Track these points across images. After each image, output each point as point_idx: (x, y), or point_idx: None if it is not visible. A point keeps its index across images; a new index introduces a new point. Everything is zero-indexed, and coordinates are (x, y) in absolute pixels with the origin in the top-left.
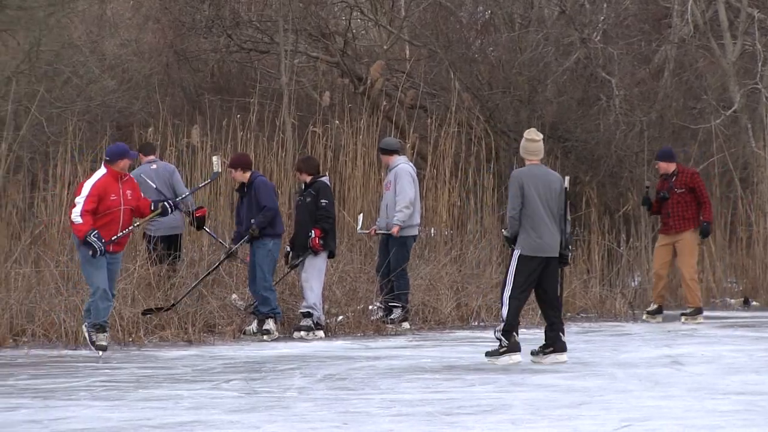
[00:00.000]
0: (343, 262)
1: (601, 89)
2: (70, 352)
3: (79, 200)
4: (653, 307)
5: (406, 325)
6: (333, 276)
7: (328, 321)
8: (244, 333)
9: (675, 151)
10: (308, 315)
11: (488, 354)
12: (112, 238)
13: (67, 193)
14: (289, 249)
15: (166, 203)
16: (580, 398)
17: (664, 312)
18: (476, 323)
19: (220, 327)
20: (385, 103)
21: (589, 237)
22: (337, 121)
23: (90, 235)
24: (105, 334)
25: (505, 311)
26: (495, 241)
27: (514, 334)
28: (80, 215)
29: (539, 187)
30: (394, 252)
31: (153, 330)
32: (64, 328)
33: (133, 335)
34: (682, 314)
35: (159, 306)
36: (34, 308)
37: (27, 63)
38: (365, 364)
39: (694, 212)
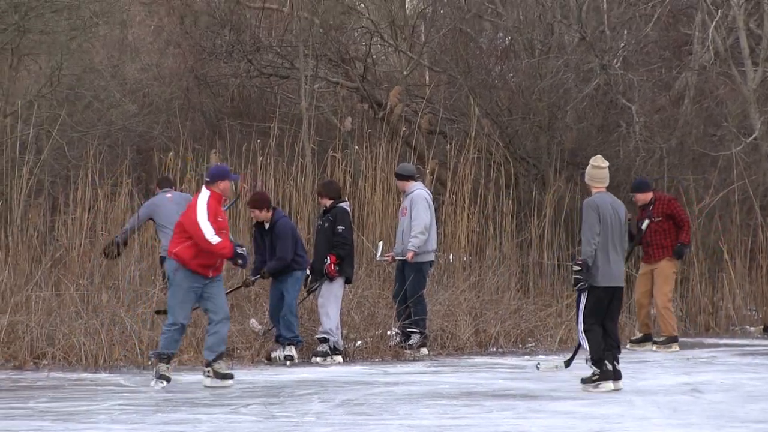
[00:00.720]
0: (362, 287)
1: (621, 116)
2: (90, 375)
3: (203, 221)
4: (638, 335)
5: (424, 350)
6: (351, 301)
7: (346, 346)
8: (270, 359)
9: (649, 180)
10: (325, 340)
11: (583, 381)
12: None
13: (87, 217)
14: (308, 273)
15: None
16: (599, 425)
17: (656, 340)
18: (494, 349)
19: (238, 351)
20: (404, 128)
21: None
22: (357, 147)
23: (238, 248)
24: (168, 366)
25: (585, 344)
26: (513, 267)
27: (606, 362)
28: (215, 234)
29: (608, 215)
30: (411, 278)
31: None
32: (84, 351)
33: (153, 359)
34: (654, 342)
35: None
36: (54, 331)
37: (49, 87)
38: (383, 389)
39: (673, 240)
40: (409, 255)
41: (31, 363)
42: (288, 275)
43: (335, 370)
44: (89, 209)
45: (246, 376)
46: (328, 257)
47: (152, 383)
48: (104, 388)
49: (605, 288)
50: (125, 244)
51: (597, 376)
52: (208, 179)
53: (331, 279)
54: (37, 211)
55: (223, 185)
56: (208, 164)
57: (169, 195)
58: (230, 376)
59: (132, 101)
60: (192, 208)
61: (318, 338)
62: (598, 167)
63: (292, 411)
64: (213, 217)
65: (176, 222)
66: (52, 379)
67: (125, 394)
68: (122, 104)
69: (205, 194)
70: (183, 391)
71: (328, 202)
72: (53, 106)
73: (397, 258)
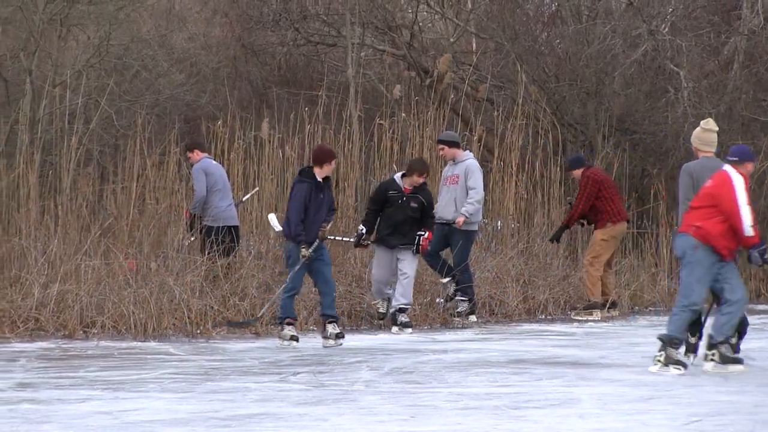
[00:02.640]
0: None
1: (669, 81)
2: (139, 344)
3: (743, 206)
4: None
5: (473, 318)
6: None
7: (395, 312)
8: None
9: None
10: (404, 310)
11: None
12: None
13: (136, 186)
14: (363, 231)
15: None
16: (649, 393)
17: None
18: (543, 317)
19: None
20: (452, 95)
21: (657, 230)
22: (404, 114)
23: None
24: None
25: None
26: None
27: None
28: (751, 226)
29: (704, 182)
30: (459, 246)
31: (221, 322)
32: (133, 320)
33: (201, 327)
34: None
35: (245, 319)
36: (103, 300)
37: (97, 57)
38: (432, 357)
39: (602, 213)
40: (460, 220)
41: (81, 332)
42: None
43: (383, 338)
44: (138, 178)
45: (295, 344)
46: (427, 232)
47: (709, 366)
48: (153, 357)
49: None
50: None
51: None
52: (735, 158)
53: (420, 253)
54: (86, 180)
55: (750, 167)
56: (258, 132)
57: (214, 162)
58: (739, 361)
59: (179, 70)
60: (726, 185)
61: (399, 308)
62: (709, 130)
63: (341, 379)
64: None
65: (702, 193)
66: (101, 348)
67: (174, 363)
68: (170, 73)
69: (737, 176)
70: (232, 359)
71: (420, 181)
72: (101, 75)
73: (437, 222)
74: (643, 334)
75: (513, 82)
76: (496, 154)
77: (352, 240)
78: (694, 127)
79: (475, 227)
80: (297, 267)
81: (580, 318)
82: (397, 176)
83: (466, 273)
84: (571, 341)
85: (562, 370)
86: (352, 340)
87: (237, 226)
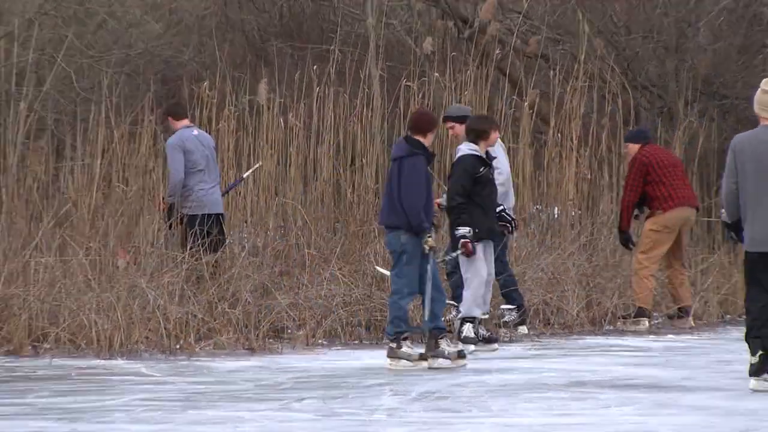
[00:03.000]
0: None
1: (766, 34)
2: (104, 362)
3: None
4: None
5: (523, 329)
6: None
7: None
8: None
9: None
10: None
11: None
12: None
13: (100, 164)
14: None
15: None
16: (745, 424)
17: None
18: (611, 327)
19: (290, 331)
20: (498, 51)
21: None
22: (437, 74)
23: None
24: None
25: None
26: (635, 223)
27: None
28: None
29: (762, 157)
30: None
31: (206, 334)
32: (96, 331)
33: (182, 341)
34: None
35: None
36: (58, 307)
37: (52, 2)
38: (472, 378)
39: (651, 200)
40: None
41: (30, 347)
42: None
43: None
44: (102, 154)
45: (299, 362)
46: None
47: None
48: (121, 378)
49: (757, 254)
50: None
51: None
52: None
53: None
54: (37, 156)
55: None
56: (254, 96)
57: (195, 132)
58: None
59: (155, 19)
60: None
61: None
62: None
63: (357, 406)
64: None
65: None
66: (55, 368)
67: (148, 386)
68: (143, 23)
69: None
70: (220, 381)
71: (496, 138)
72: (58, 25)
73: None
74: (737, 350)
75: (573, 34)
76: (552, 124)
77: (459, 253)
78: None
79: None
80: (436, 260)
81: (627, 329)
82: (468, 147)
83: (507, 274)
84: (646, 359)
85: (636, 394)
86: (371, 357)
87: (223, 214)
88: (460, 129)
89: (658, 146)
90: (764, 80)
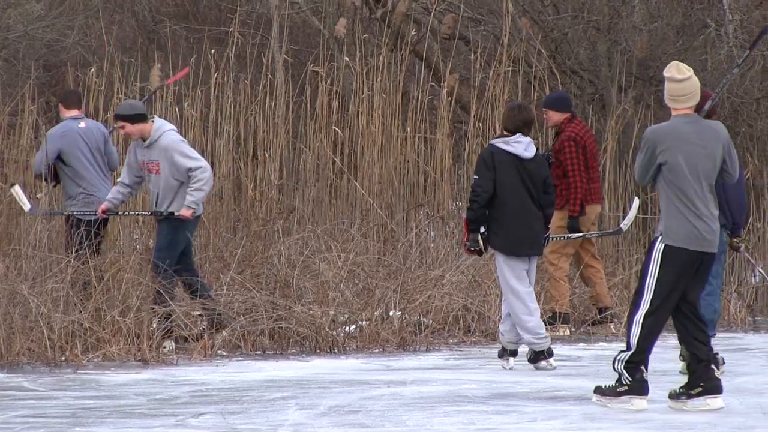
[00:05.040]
0: (355, 251)
1: (708, 13)
2: None
3: None
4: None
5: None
6: (341, 270)
7: (333, 332)
8: None
9: (569, 97)
10: None
11: (598, 391)
12: None
13: None
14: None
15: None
16: None
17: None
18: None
19: (188, 340)
20: (413, 32)
21: None
22: (347, 58)
23: None
24: None
25: (633, 333)
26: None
27: (642, 368)
28: None
29: (684, 150)
30: None
31: (94, 345)
32: None
33: (68, 352)
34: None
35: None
36: None
37: None
38: (385, 391)
39: (566, 192)
40: None
41: None
42: None
43: (317, 366)
44: None
45: (196, 374)
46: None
47: None
48: (1, 394)
49: (681, 251)
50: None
51: (625, 387)
52: None
53: None
54: None
55: None
56: (148, 84)
57: (82, 124)
58: None
59: None
60: None
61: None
62: (673, 79)
63: (260, 422)
64: None
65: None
66: None
67: (30, 402)
68: (23, 2)
69: None
70: (110, 396)
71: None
72: None
73: None
74: (673, 358)
75: (496, 13)
76: (472, 113)
77: None
78: (743, 76)
79: None
80: None
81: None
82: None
83: None
84: (575, 368)
85: (564, 407)
86: (276, 368)
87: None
88: (131, 128)
89: (584, 124)
90: (669, 66)
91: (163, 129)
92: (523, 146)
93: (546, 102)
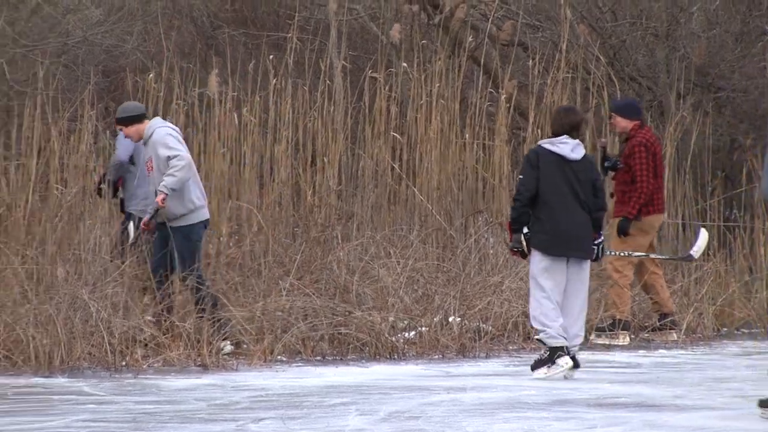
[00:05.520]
0: (414, 257)
1: (766, 19)
2: (42, 380)
3: None
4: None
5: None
6: (400, 276)
7: (393, 338)
8: None
9: (639, 104)
10: None
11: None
12: None
13: (36, 163)
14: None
15: None
16: None
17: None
18: (596, 341)
19: (246, 346)
20: (471, 38)
21: (751, 223)
22: (405, 64)
23: None
24: None
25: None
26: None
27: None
28: None
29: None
30: None
31: (155, 350)
32: (34, 347)
33: (128, 357)
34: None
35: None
36: None
37: None
38: (445, 397)
39: (630, 197)
40: None
41: None
42: None
43: (377, 372)
44: (39, 153)
45: (256, 379)
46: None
47: None
48: (62, 398)
49: None
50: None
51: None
52: None
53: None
54: None
55: None
56: (206, 89)
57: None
58: None
59: (95, 4)
60: None
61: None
62: None
63: (320, 427)
64: None
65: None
66: None
67: (91, 406)
68: (82, 8)
69: None
70: (170, 401)
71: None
72: None
73: None
74: (734, 366)
75: (554, 20)
76: (531, 119)
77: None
78: None
79: None
80: None
81: (604, 342)
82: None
83: None
84: (635, 375)
85: (624, 414)
86: (336, 374)
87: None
88: (127, 131)
89: (653, 132)
90: None
91: (155, 126)
92: (569, 147)
93: (614, 107)
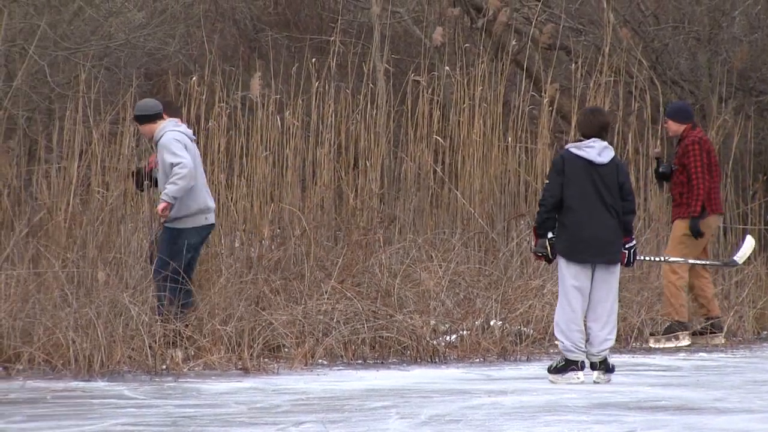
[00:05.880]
0: (456, 261)
1: None
2: (82, 384)
3: None
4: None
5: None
6: (442, 279)
7: (434, 342)
8: None
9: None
10: None
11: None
12: None
13: (78, 166)
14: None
15: None
16: None
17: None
18: (637, 345)
19: (287, 350)
20: (513, 41)
21: None
22: (448, 68)
23: None
24: None
25: None
26: (663, 231)
27: None
28: None
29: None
30: None
31: (195, 353)
32: (74, 351)
33: (168, 361)
34: (651, 334)
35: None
36: (32, 324)
37: None
38: (486, 401)
39: (688, 198)
40: None
41: (1, 368)
42: None
43: (418, 375)
44: (80, 156)
45: (297, 383)
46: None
47: None
48: (102, 402)
49: None
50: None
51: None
52: None
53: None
54: (7, 158)
55: None
56: (249, 93)
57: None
58: None
59: (138, 7)
60: None
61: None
62: None
63: (361, 431)
64: None
65: None
66: (29, 390)
67: (131, 410)
68: (124, 11)
69: None
70: (211, 404)
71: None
72: (29, 14)
73: None
74: None
75: (597, 24)
76: (573, 123)
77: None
78: None
79: None
80: None
81: (660, 345)
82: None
83: None
84: (675, 378)
85: (664, 417)
86: (377, 377)
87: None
88: (142, 129)
89: (704, 133)
90: None
91: (166, 129)
92: (596, 151)
93: (667, 111)
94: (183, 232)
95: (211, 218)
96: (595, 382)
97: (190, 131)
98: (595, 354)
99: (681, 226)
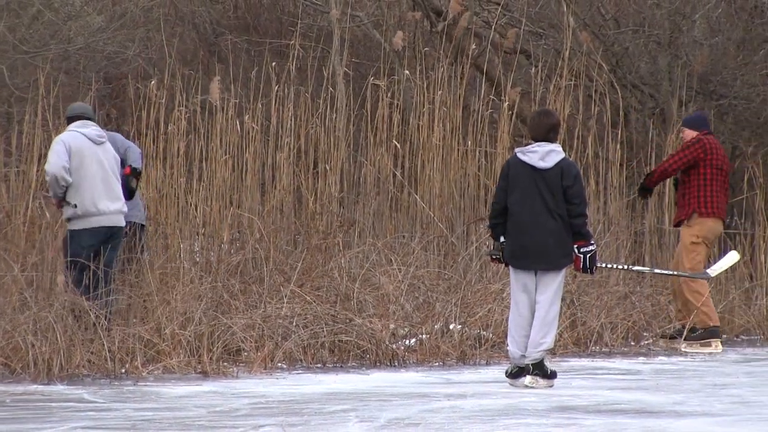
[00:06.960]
0: (415, 265)
1: None
2: (42, 387)
3: None
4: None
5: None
6: (401, 283)
7: (393, 345)
8: None
9: (707, 116)
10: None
11: None
12: None
13: (37, 170)
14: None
15: None
16: None
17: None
18: (597, 349)
19: (246, 353)
20: (473, 45)
21: (752, 230)
22: (407, 71)
23: None
24: None
25: None
26: (623, 235)
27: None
28: None
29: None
30: None
31: (154, 357)
32: (33, 354)
33: (127, 364)
34: (685, 338)
35: None
36: None
37: None
38: (445, 404)
39: (689, 198)
40: None
41: None
42: None
43: (378, 379)
44: (39, 160)
45: (256, 386)
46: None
47: None
48: (61, 406)
49: None
50: None
51: None
52: None
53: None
54: None
55: None
56: (208, 96)
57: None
58: None
59: (97, 11)
60: None
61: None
62: None
63: None
64: None
65: None
66: None
67: (90, 413)
68: (84, 15)
69: None
70: (170, 408)
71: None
72: None
73: None
74: (733, 372)
75: (557, 27)
76: None
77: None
78: None
79: None
80: None
81: (697, 351)
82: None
83: None
84: (635, 382)
85: (624, 420)
86: (336, 381)
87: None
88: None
89: (715, 139)
90: None
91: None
92: (538, 156)
93: (684, 121)
94: (75, 234)
95: (105, 221)
96: (525, 386)
97: (93, 131)
98: (526, 356)
99: (687, 234)
